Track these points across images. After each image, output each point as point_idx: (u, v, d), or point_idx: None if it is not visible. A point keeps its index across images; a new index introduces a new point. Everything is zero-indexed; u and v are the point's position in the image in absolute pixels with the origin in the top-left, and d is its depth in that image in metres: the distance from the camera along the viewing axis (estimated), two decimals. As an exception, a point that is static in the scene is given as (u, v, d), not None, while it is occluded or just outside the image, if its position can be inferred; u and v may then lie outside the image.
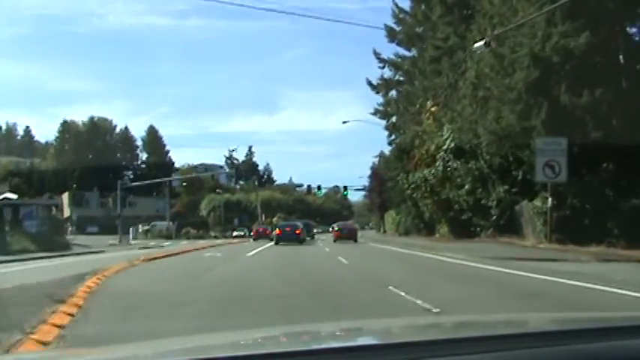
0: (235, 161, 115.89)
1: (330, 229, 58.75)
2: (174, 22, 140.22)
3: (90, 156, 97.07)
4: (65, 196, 77.60)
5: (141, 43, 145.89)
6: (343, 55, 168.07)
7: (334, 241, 40.86)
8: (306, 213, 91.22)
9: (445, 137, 32.99)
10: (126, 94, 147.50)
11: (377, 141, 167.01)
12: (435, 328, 2.52)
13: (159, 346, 2.10)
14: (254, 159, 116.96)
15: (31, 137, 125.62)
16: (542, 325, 2.42)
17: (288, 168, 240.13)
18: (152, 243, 47.24)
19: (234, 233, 69.36)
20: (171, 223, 66.84)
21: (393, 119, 50.48)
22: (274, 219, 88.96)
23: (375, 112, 51.36)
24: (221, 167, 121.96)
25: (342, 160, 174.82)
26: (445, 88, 35.39)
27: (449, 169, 33.41)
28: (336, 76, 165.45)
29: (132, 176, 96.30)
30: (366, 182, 71.24)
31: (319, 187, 68.97)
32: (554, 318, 3.01)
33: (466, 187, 31.71)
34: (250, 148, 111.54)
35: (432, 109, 36.99)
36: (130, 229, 65.54)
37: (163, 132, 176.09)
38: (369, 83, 50.25)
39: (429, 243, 30.94)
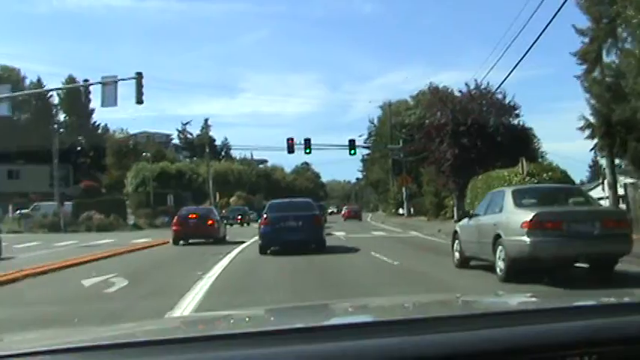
0: (189, 135, 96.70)
1: (343, 211, 63.84)
2: (134, 4, 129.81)
3: (-12, 115, 73.70)
4: None
5: (99, 24, 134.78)
6: (304, 38, 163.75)
7: (344, 220, 45.89)
8: (273, 192, 72.28)
9: None
10: (84, 76, 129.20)
11: (337, 122, 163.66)
12: (434, 305, 2.52)
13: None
14: (210, 133, 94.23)
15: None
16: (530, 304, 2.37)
17: (249, 151, 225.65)
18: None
19: None
20: (62, 204, 41.31)
21: None
22: (232, 199, 67.02)
23: None
24: (168, 136, 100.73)
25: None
26: None
27: None
28: (297, 59, 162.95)
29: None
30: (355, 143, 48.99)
31: (308, 144, 41.34)
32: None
33: None
34: (206, 121, 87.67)
35: None
36: (-7, 211, 41.61)
37: (120, 114, 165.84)
38: None
39: None
